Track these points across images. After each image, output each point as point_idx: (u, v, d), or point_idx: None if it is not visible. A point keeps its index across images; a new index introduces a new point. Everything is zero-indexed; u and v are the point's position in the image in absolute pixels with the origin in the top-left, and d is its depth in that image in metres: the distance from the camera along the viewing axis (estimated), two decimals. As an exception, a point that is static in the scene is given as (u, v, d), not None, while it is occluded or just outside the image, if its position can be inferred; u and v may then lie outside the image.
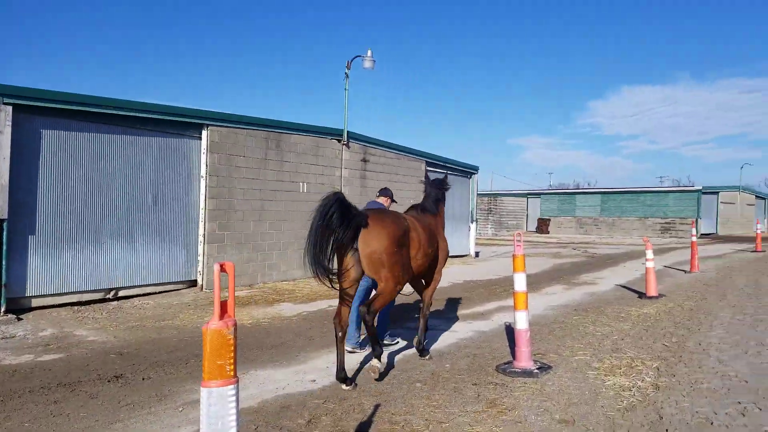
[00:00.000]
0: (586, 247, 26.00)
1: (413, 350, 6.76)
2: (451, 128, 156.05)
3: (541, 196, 43.56)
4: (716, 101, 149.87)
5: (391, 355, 6.67)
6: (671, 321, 8.28)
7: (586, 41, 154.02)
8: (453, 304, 10.37)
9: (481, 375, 5.75)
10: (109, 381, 5.71)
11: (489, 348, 6.93)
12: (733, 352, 6.36)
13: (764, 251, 21.46)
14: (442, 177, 7.67)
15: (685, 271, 14.91)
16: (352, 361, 6.31)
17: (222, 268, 2.62)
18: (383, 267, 5.47)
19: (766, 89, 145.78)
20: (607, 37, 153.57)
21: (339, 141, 14.51)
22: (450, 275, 14.86)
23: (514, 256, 5.82)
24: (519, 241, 5.77)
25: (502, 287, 12.09)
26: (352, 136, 14.82)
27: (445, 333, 7.88)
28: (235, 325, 2.63)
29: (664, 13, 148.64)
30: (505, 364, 5.98)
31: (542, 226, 40.56)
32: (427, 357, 6.50)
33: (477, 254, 21.18)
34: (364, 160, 15.31)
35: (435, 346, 7.05)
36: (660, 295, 10.60)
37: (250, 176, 12.66)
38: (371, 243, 5.46)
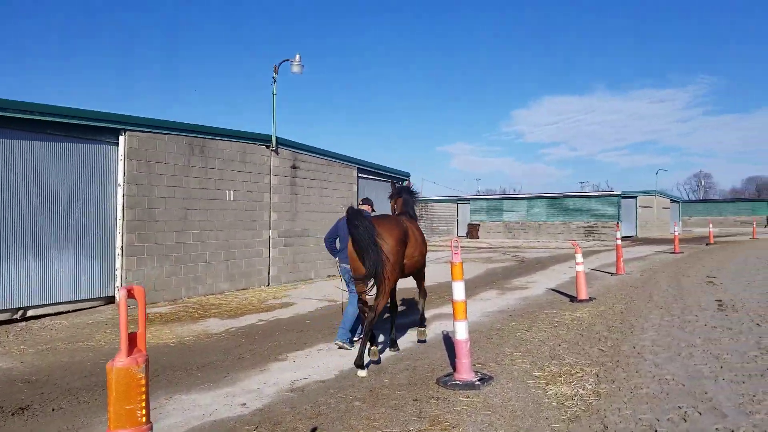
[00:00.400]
0: (515, 251, 26.49)
1: (351, 365, 6.46)
2: (382, 135, 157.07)
3: (470, 201, 44.25)
4: (630, 110, 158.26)
5: (329, 371, 6.33)
6: (604, 325, 8.35)
7: (509, 52, 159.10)
8: (387, 313, 10.10)
9: (422, 389, 5.50)
10: (13, 414, 5.09)
11: (428, 359, 6.71)
12: (666, 355, 6.42)
13: (682, 252, 22.53)
14: (406, 184, 8.35)
15: (611, 274, 15.33)
16: (340, 356, 5.91)
17: (129, 294, 2.21)
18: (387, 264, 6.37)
19: (673, 99, 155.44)
20: (528, 49, 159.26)
21: (267, 147, 14.02)
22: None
23: (452, 264, 5.62)
24: (456, 248, 5.57)
25: (437, 294, 11.96)
26: (281, 142, 14.36)
27: (382, 345, 7.60)
28: (147, 361, 2.23)
29: (581, 27, 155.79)
30: (445, 376, 5.76)
31: (472, 231, 41.16)
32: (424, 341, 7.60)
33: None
34: (294, 167, 14.87)
35: (370, 360, 6.75)
36: (591, 298, 10.76)
37: (172, 184, 11.98)
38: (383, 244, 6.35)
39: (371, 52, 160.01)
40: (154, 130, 11.64)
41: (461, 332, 5.54)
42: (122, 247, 11.14)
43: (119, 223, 11.16)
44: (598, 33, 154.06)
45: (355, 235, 6.21)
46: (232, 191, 13.16)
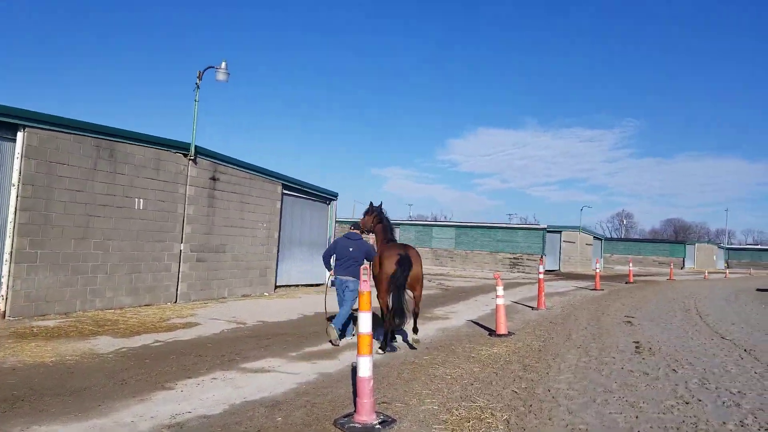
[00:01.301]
0: (441, 278, 26.32)
1: (243, 398, 5.78)
2: (315, 154, 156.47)
3: (401, 226, 44.10)
4: (559, 147, 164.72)
5: (218, 405, 5.60)
6: (520, 363, 8.02)
7: (445, 81, 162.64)
8: (299, 340, 9.45)
9: (316, 431, 4.90)
10: None
11: (331, 395, 6.11)
12: (581, 400, 6.09)
13: (603, 290, 22.96)
14: (379, 207, 10.04)
15: (532, 308, 15.25)
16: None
17: None
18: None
19: (600, 140, 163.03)
20: (465, 79, 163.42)
21: (185, 156, 13.15)
22: (302, 305, 13.94)
23: (360, 293, 5.09)
24: (365, 276, 5.05)
25: (354, 321, 11.39)
26: (201, 152, 13.52)
27: (284, 376, 6.94)
28: None
29: (515, 63, 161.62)
30: (344, 417, 5.18)
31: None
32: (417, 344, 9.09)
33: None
34: (214, 179, 14.03)
35: (268, 394, 6.09)
36: (509, 333, 10.49)
37: (75, 187, 10.94)
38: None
39: (309, 69, 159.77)
40: (58, 129, 10.62)
41: (364, 369, 4.99)
42: (11, 252, 10.03)
43: (9, 226, 10.05)
44: (532, 70, 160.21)
45: (405, 261, 8.64)
46: (142, 199, 12.19)
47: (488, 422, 5.24)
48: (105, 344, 8.45)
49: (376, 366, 7.56)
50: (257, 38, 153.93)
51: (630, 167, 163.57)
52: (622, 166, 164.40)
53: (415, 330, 9.22)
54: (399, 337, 9.64)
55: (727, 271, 56.92)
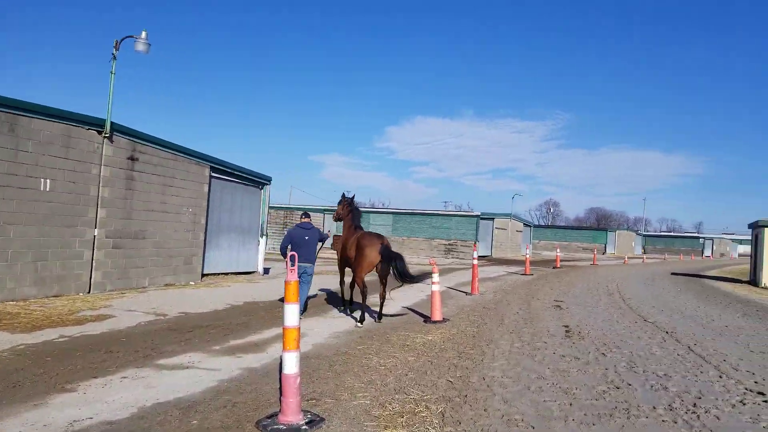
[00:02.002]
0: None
1: (155, 399, 5.23)
2: (250, 137, 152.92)
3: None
4: (494, 138, 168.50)
5: (126, 408, 5.02)
6: (455, 350, 7.81)
7: (384, 67, 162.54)
8: (224, 332, 8.88)
9: (236, 435, 4.46)
10: None
11: (255, 393, 5.65)
12: (516, 388, 5.92)
13: (532, 274, 23.40)
14: (352, 198, 11.49)
15: (466, 293, 15.22)
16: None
17: None
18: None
19: (531, 131, 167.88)
20: (404, 66, 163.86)
21: (99, 133, 12.13)
22: (231, 295, 13.29)
23: (286, 282, 4.65)
24: (293, 265, 4.62)
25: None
26: (118, 129, 12.52)
27: (204, 372, 6.41)
28: None
29: (451, 51, 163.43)
30: (268, 418, 4.75)
31: (337, 242, 40.49)
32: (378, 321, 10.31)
33: (266, 271, 19.78)
34: (132, 158, 13.06)
35: (184, 394, 5.56)
36: (444, 320, 10.31)
37: (-31, 166, 9.84)
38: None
39: (248, 53, 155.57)
40: (-52, 99, 9.50)
41: (290, 365, 4.57)
42: None
43: None
44: (470, 61, 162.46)
45: (389, 253, 10.29)
46: (49, 180, 11.15)
47: (423, 416, 4.95)
48: (1, 340, 7.62)
49: (307, 358, 7.17)
50: (191, 15, 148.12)
51: (558, 158, 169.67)
52: (550, 157, 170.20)
53: (381, 311, 10.60)
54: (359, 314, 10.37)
55: (645, 256, 59.93)
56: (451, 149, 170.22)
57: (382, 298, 10.49)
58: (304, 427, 4.48)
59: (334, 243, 11.49)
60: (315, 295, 13.74)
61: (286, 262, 9.47)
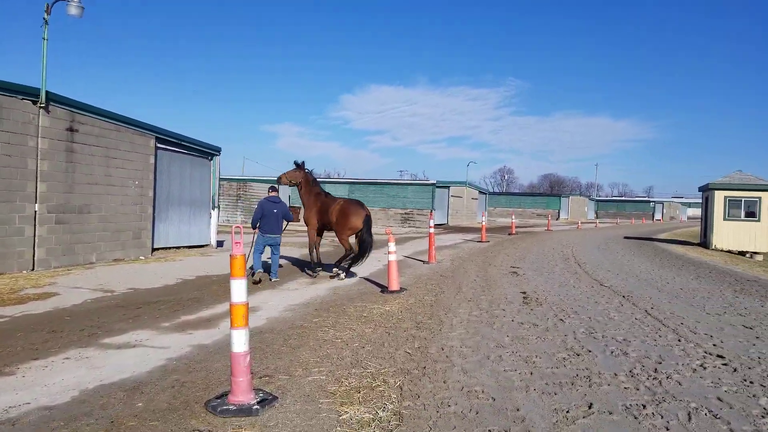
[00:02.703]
0: (333, 236, 25.82)
1: (99, 381, 4.93)
2: (197, 110, 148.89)
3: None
4: (448, 105, 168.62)
5: (66, 392, 4.72)
6: (413, 321, 7.71)
7: (339, 35, 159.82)
8: (174, 308, 8.55)
9: (183, 418, 4.22)
10: None
11: (205, 372, 5.41)
12: (475, 358, 5.84)
13: (488, 241, 23.58)
14: (305, 166, 12.23)
15: (423, 262, 15.18)
16: None
17: None
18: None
19: (485, 99, 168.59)
20: (357, 34, 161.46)
21: (34, 103, 11.38)
22: (182, 269, 12.87)
23: (231, 257, 4.38)
24: (238, 236, 4.34)
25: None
26: (54, 99, 11.77)
27: (152, 351, 6.12)
28: None
29: (404, 19, 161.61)
30: (218, 397, 4.52)
31: (293, 213, 39.99)
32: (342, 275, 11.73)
33: (220, 244, 19.31)
34: (71, 130, 12.34)
35: (129, 375, 5.27)
36: (401, 289, 10.21)
37: None
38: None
39: (196, 20, 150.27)
40: None
41: (239, 343, 4.34)
42: None
43: None
44: (422, 27, 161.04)
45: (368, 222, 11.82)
46: (-20, 153, 10.43)
47: (380, 391, 4.81)
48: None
49: (261, 333, 6.95)
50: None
51: (511, 125, 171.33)
52: (504, 124, 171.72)
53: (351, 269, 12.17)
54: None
55: (597, 221, 61.43)
56: (406, 117, 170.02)
57: (355, 259, 11.79)
58: (255, 406, 4.28)
59: (301, 214, 12.41)
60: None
61: (254, 232, 11.08)
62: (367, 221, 11.68)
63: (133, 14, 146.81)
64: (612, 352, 6.22)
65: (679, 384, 5.17)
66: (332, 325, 7.43)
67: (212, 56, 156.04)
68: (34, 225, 11.63)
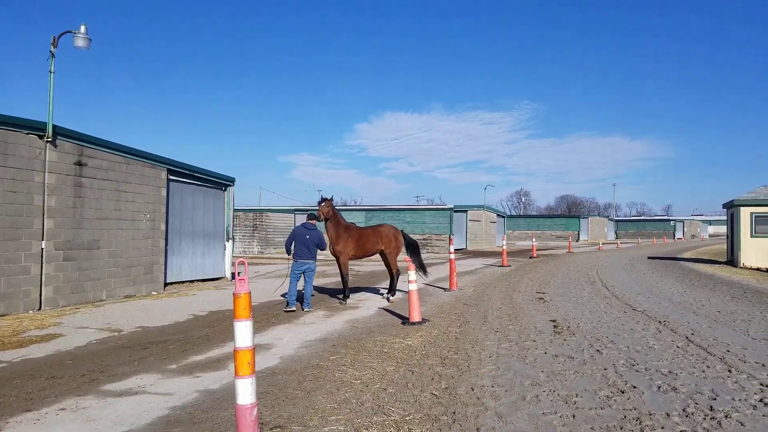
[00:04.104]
0: (351, 263, 25.32)
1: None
2: (213, 141, 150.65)
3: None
4: (463, 131, 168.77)
5: None
6: (438, 356, 7.13)
7: (352, 65, 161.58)
8: (183, 347, 8.06)
9: (183, 482, 3.70)
10: None
11: (211, 423, 4.89)
12: (510, 399, 5.26)
13: (510, 266, 22.90)
14: (331, 198, 12.41)
15: (444, 289, 14.59)
16: None
17: None
18: None
19: (500, 122, 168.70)
20: (371, 63, 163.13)
21: (41, 137, 11.13)
22: (195, 304, 12.43)
23: (235, 295, 3.90)
24: (241, 274, 3.87)
25: (256, 318, 10.09)
26: (61, 132, 11.52)
27: (155, 399, 5.61)
28: None
29: (417, 47, 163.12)
30: (223, 455, 4.00)
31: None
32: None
33: (234, 276, 18.88)
34: (80, 164, 12.06)
35: (127, 428, 4.76)
36: (423, 320, 9.63)
37: None
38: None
39: (208, 53, 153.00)
40: None
41: (244, 395, 3.83)
42: None
43: None
44: (436, 55, 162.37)
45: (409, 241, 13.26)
46: (-14, 190, 10.15)
47: (406, 443, 4.26)
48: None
49: (274, 374, 6.42)
50: (144, 11, 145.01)
51: (527, 148, 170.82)
52: (519, 147, 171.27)
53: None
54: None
55: (618, 241, 60.27)
56: (421, 143, 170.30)
57: (398, 276, 12.92)
58: (265, 467, 3.75)
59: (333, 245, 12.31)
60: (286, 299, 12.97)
61: (289, 259, 11.37)
62: (408, 239, 13.23)
63: (145, 43, 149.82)
64: (659, 388, 5.60)
65: (742, 425, 4.56)
66: (351, 363, 6.89)
67: (231, 87, 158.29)
68: (41, 263, 11.28)
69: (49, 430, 4.76)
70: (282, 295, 12.23)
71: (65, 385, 6.18)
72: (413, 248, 13.04)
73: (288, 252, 11.44)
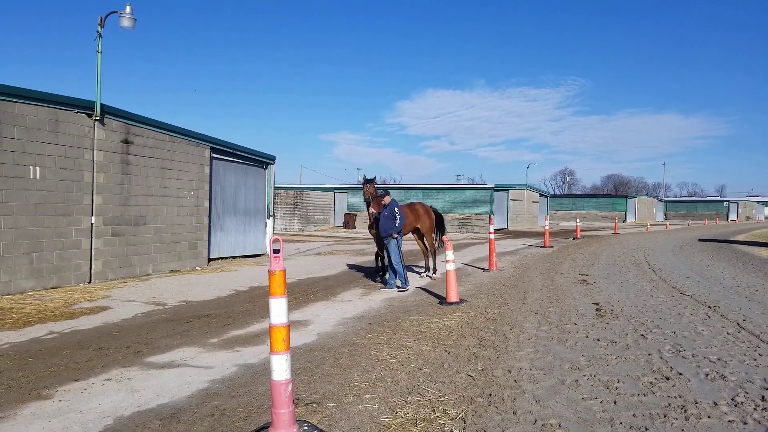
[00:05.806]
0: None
1: (137, 406, 4.56)
2: (255, 119, 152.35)
3: (348, 190, 42.84)
4: (506, 108, 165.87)
5: (101, 419, 4.37)
6: (475, 337, 7.06)
7: (394, 42, 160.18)
8: (224, 322, 8.23)
9: (219, 455, 3.77)
10: None
11: (248, 396, 4.97)
12: (548, 383, 5.16)
13: (552, 246, 22.51)
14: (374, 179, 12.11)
15: (483, 269, 14.45)
16: None
17: None
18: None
19: (545, 99, 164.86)
20: (413, 40, 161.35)
21: (89, 116, 11.43)
22: (236, 280, 12.66)
23: (270, 273, 3.91)
24: (277, 251, 3.87)
25: (294, 295, 10.23)
26: (109, 111, 11.81)
27: (196, 371, 5.74)
28: None
29: (463, 20, 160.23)
30: (258, 430, 4.06)
31: (349, 221, 39.76)
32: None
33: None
34: (127, 142, 12.36)
35: (168, 400, 4.88)
36: (461, 301, 9.56)
37: (-51, 155, 9.20)
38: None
39: (251, 31, 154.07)
40: None
41: (280, 371, 3.85)
42: None
43: None
44: (479, 30, 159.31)
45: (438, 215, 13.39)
46: (38, 167, 10.51)
47: (440, 423, 4.22)
48: (-15, 339, 7.03)
49: (311, 350, 6.49)
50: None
51: (573, 125, 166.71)
52: (565, 125, 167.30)
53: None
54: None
55: (668, 223, 58.49)
56: (463, 121, 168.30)
57: (434, 255, 13.30)
58: (298, 443, 3.78)
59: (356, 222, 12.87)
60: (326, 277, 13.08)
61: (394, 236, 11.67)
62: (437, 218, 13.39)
63: (189, 23, 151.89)
64: (707, 375, 5.39)
65: (796, 417, 4.34)
66: (387, 341, 6.89)
67: (274, 65, 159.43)
68: (91, 238, 11.67)
69: (95, 400, 4.92)
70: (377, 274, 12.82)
71: (111, 356, 6.39)
72: (439, 222, 13.26)
73: (397, 231, 11.43)
